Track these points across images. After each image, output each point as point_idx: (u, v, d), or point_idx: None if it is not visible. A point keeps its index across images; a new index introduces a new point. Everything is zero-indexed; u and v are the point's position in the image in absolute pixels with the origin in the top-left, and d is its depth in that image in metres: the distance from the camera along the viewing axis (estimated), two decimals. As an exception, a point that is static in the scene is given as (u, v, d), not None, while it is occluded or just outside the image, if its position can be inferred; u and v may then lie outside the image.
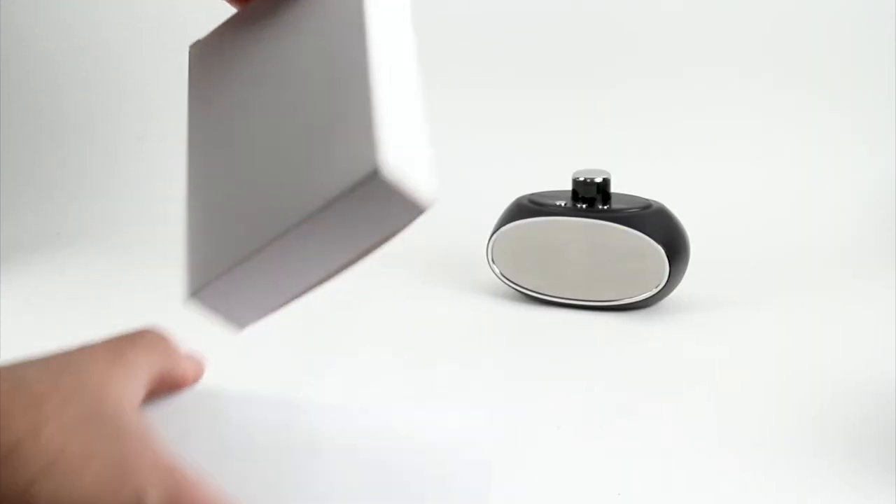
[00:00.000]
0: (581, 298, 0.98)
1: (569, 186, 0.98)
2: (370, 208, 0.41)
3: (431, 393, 0.83)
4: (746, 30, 1.31)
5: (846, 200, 1.20)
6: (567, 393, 0.83)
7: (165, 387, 0.44)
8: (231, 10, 0.55)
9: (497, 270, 1.01)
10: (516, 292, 1.02)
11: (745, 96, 1.30)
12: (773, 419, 0.77)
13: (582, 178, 0.97)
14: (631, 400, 0.81)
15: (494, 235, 1.00)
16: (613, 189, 0.97)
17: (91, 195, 1.34)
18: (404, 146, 0.41)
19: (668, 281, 0.94)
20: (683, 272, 0.96)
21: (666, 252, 0.93)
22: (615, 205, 0.96)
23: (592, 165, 0.99)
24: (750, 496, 0.67)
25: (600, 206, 0.96)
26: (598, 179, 0.96)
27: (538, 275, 0.99)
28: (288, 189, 0.43)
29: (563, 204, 0.97)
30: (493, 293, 1.03)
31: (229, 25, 0.54)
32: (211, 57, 0.53)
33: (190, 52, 0.54)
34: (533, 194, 1.00)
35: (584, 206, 0.96)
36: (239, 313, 0.46)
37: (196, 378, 0.46)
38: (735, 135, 1.30)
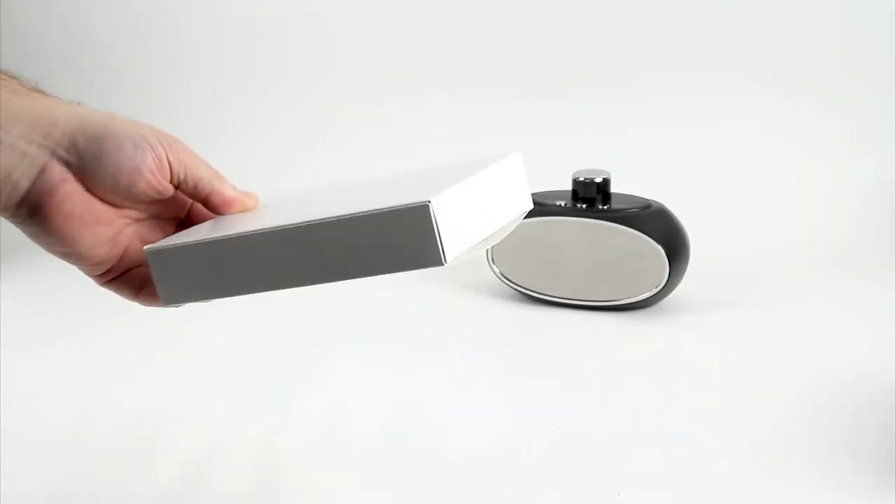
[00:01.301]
0: (581, 298, 0.98)
1: (569, 186, 0.98)
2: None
3: (431, 393, 0.83)
4: (746, 32, 1.31)
5: (846, 200, 1.21)
6: (567, 392, 0.83)
7: None
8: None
9: (497, 270, 1.01)
10: (516, 292, 1.02)
11: (744, 97, 1.30)
12: (773, 419, 0.77)
13: (582, 178, 0.97)
14: (631, 400, 0.81)
15: (494, 235, 1.00)
16: (613, 189, 0.97)
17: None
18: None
19: (668, 281, 0.94)
20: (683, 272, 0.96)
21: (666, 252, 0.93)
22: (615, 205, 0.96)
23: (592, 165, 0.99)
24: (749, 496, 0.67)
25: (600, 206, 0.96)
26: (598, 179, 0.96)
27: (538, 275, 0.99)
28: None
29: (563, 204, 0.97)
30: (493, 293, 1.03)
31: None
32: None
33: (151, 253, 0.58)
34: (533, 194, 0.99)
35: (584, 206, 0.96)
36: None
37: None
38: (735, 135, 1.30)
